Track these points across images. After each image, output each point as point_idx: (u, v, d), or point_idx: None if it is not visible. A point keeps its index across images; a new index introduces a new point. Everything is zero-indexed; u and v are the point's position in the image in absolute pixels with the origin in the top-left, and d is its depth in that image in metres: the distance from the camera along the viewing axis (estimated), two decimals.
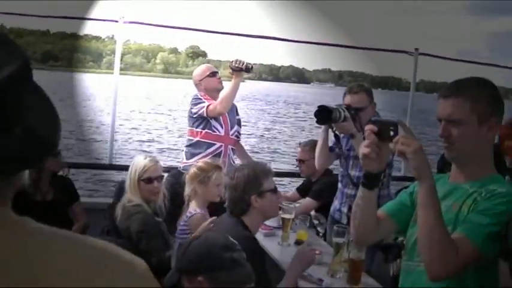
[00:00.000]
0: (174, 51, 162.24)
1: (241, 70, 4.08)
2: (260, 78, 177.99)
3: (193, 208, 3.28)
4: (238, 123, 4.46)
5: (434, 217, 1.71)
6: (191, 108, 4.21)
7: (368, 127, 1.79)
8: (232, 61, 4.10)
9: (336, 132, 3.58)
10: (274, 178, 2.89)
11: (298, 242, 3.48)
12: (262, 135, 22.66)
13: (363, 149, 1.80)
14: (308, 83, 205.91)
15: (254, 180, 2.68)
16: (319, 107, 3.36)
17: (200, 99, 4.17)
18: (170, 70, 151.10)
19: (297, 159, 4.54)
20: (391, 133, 1.73)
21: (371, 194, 1.90)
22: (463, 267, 1.73)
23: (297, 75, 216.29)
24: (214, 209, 3.31)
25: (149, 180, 3.26)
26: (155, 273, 0.86)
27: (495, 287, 1.90)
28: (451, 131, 1.84)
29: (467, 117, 1.82)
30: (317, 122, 3.41)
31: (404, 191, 2.11)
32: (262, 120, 29.24)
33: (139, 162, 3.31)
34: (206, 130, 4.16)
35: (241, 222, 2.68)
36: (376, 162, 1.82)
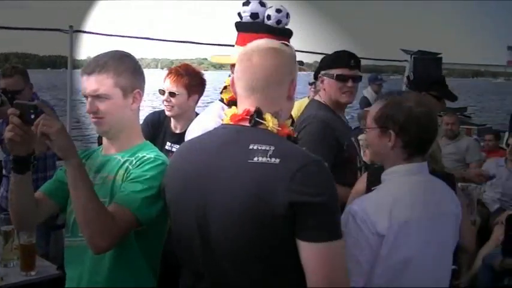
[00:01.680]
0: None
1: None
2: None
3: None
4: None
5: (85, 194, 1.75)
6: None
7: (10, 111, 1.75)
8: None
9: None
10: None
11: None
12: None
13: (7, 133, 1.75)
14: None
15: None
16: None
17: None
18: None
19: None
20: (32, 116, 1.72)
21: (23, 177, 1.87)
22: (124, 235, 1.81)
23: None
24: None
25: None
26: None
27: (159, 250, 2.05)
28: (99, 106, 1.92)
29: (112, 91, 1.91)
30: None
31: (60, 168, 2.10)
32: None
33: None
34: None
35: None
36: (23, 146, 1.79)
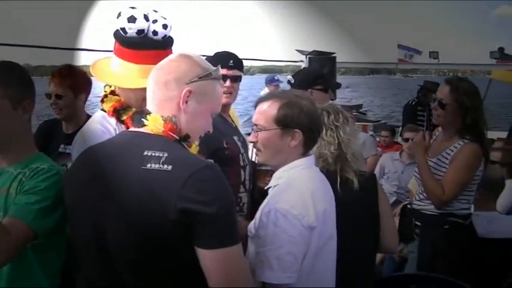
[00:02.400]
0: None
1: None
2: None
3: None
4: None
5: None
6: None
7: None
8: None
9: None
10: None
11: None
12: None
13: None
14: None
15: None
16: None
17: None
18: None
19: None
20: None
21: None
22: (20, 248, 1.80)
23: None
24: None
25: None
26: None
27: (58, 262, 2.02)
28: None
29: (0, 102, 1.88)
30: None
31: None
32: None
33: None
34: None
35: None
36: None
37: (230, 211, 1.59)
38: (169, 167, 1.55)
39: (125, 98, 2.32)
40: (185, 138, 1.73)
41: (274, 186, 2.10)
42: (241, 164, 2.92)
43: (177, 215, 1.50)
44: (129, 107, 2.32)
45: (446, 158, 3.23)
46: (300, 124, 2.04)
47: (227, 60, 2.91)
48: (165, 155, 1.57)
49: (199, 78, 1.74)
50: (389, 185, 5.73)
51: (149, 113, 1.71)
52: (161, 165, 1.55)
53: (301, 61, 8.78)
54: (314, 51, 8.66)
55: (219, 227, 1.54)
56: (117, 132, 2.19)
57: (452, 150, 3.23)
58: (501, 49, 9.67)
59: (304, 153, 2.11)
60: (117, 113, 2.31)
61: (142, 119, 1.71)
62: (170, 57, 1.81)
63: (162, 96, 1.72)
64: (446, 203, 3.20)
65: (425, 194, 3.30)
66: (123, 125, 2.30)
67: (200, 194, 1.52)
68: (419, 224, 3.35)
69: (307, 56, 8.61)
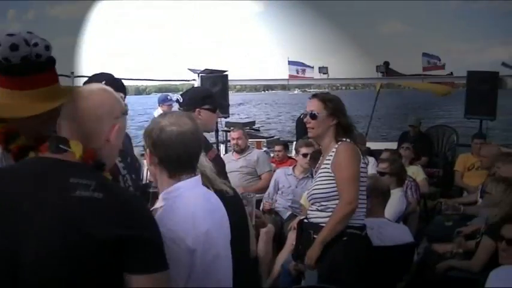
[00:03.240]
0: None
1: None
2: None
3: None
4: None
5: None
6: None
7: None
8: None
9: None
10: None
11: None
12: None
13: None
14: None
15: None
16: None
17: None
18: None
19: None
20: None
21: None
22: None
23: None
24: None
25: None
26: None
27: None
28: None
29: None
30: None
31: None
32: None
33: None
34: None
35: None
36: None
37: (160, 236, 1.66)
38: (101, 195, 1.57)
39: (19, 126, 2.19)
40: (102, 167, 1.76)
41: (161, 207, 2.10)
42: (122, 184, 2.88)
43: (111, 242, 1.51)
44: (18, 135, 2.20)
45: (328, 165, 3.39)
46: (149, 143, 2.10)
47: (101, 81, 2.87)
48: (93, 182, 1.59)
49: (122, 113, 1.83)
50: (284, 200, 5.85)
51: (67, 141, 1.70)
52: (92, 193, 1.56)
53: (194, 80, 8.80)
54: (206, 69, 8.72)
55: (154, 252, 1.61)
56: (3, 162, 2.09)
57: (331, 156, 3.39)
58: (386, 63, 10.25)
59: (174, 176, 2.10)
60: (5, 141, 2.17)
61: (61, 146, 1.68)
62: (93, 89, 1.84)
63: (89, 128, 1.74)
64: (354, 201, 3.30)
65: (324, 205, 3.39)
66: (9, 154, 2.17)
67: (134, 220, 1.57)
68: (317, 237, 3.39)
69: (199, 75, 8.66)
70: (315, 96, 3.53)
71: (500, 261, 3.25)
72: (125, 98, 2.96)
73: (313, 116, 3.43)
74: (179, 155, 2.07)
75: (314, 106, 3.45)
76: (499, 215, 4.09)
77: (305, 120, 3.50)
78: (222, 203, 2.24)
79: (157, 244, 1.63)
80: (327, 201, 3.38)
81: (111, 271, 1.55)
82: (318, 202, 3.43)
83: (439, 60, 10.00)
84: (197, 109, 3.59)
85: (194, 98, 3.71)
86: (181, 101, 3.70)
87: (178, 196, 2.07)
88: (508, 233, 3.26)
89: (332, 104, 3.45)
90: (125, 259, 1.54)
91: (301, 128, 8.31)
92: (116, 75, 3.22)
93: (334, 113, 3.43)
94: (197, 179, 2.16)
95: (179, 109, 3.61)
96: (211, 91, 4.20)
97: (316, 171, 3.57)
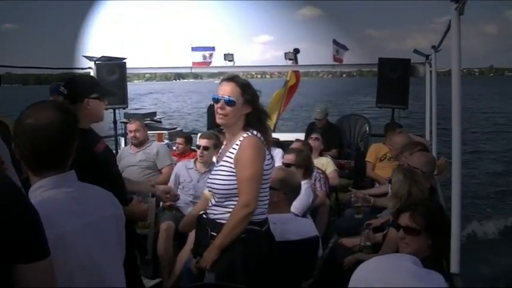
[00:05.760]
0: None
1: None
2: None
3: None
4: None
5: None
6: None
7: None
8: None
9: None
10: None
11: None
12: None
13: None
14: None
15: None
16: None
17: None
18: None
19: None
20: None
21: None
22: None
23: None
24: None
25: None
26: None
27: None
28: None
29: None
30: None
31: None
32: None
33: None
34: None
35: None
36: None
37: (41, 223, 1.68)
38: None
39: None
40: None
41: None
42: None
43: None
44: None
45: (231, 158, 3.27)
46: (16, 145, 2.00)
47: None
48: None
49: None
50: (185, 195, 5.72)
51: None
52: None
53: (90, 68, 8.48)
54: (103, 56, 8.41)
55: (39, 239, 1.66)
56: None
57: (234, 149, 3.27)
58: (296, 50, 10.22)
59: (40, 174, 2.00)
60: None
61: None
62: None
63: None
64: (252, 203, 3.20)
65: (222, 201, 3.29)
66: None
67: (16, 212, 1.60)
68: (215, 234, 3.29)
69: (96, 62, 8.34)
70: (231, 79, 3.32)
71: (400, 250, 3.29)
72: None
73: (229, 103, 3.26)
74: (36, 150, 1.96)
75: (231, 92, 3.27)
76: (397, 204, 4.18)
77: (218, 105, 3.30)
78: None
79: (42, 230, 1.67)
80: (226, 198, 3.28)
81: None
82: (217, 196, 3.33)
83: (346, 49, 10.00)
84: (85, 99, 3.46)
85: (80, 88, 3.53)
86: (65, 92, 3.49)
87: (36, 196, 1.96)
88: (403, 221, 3.31)
89: (251, 90, 3.29)
90: (14, 252, 1.57)
91: (212, 116, 8.16)
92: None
93: (252, 101, 3.29)
94: (63, 177, 2.03)
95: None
96: (96, 79, 4.03)
97: (218, 161, 3.44)
